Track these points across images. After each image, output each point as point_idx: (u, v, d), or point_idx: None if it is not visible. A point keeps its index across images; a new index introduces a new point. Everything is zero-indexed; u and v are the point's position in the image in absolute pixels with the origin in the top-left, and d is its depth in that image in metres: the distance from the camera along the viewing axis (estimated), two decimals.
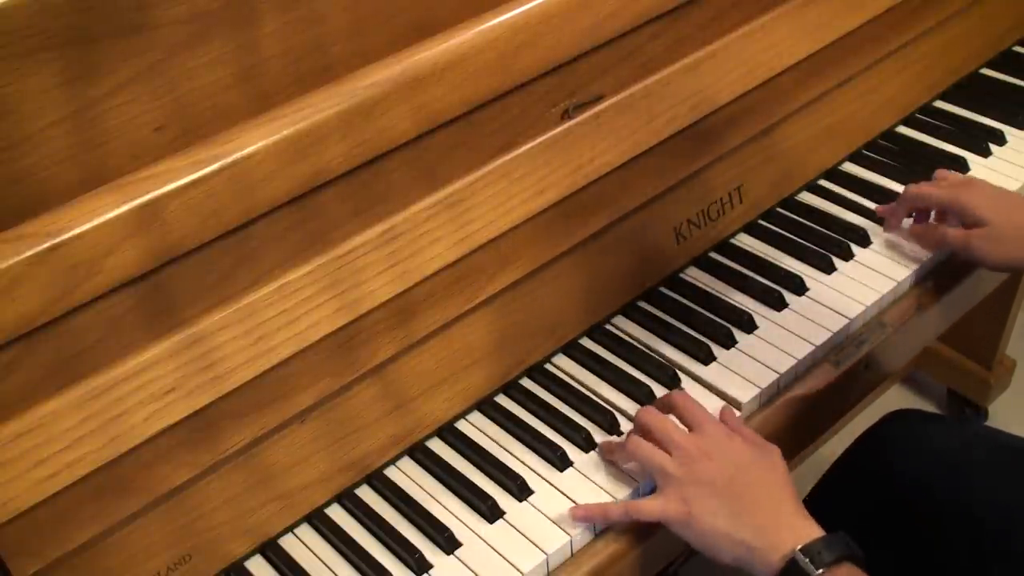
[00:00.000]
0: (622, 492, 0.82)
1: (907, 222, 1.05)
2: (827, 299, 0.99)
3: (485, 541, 0.81)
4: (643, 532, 0.82)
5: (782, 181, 1.10)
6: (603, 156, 0.91)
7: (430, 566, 0.79)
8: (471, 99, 0.81)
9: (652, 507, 0.78)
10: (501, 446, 0.88)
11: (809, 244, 1.05)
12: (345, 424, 0.83)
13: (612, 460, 0.85)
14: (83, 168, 0.67)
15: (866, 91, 1.15)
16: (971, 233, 0.96)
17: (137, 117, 0.68)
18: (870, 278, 1.01)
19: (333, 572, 0.80)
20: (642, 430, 0.82)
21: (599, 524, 0.81)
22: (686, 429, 0.82)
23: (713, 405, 0.88)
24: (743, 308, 0.98)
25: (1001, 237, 0.94)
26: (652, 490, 0.81)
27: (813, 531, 0.73)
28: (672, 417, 0.84)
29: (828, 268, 1.03)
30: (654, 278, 1.01)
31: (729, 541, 0.74)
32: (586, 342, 0.97)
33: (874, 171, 1.16)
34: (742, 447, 0.79)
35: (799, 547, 0.71)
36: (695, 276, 1.04)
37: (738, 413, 0.88)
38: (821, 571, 0.70)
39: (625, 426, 0.88)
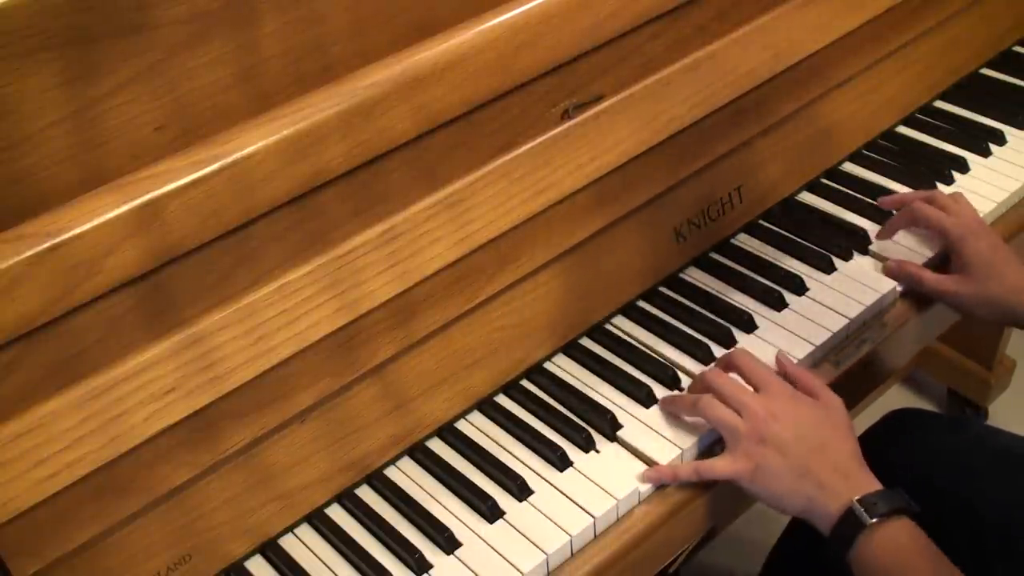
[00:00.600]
0: (623, 492, 0.82)
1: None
2: (827, 299, 0.99)
3: (485, 541, 0.81)
4: (642, 532, 0.82)
5: (782, 181, 1.10)
6: (603, 156, 0.91)
7: (430, 566, 0.79)
8: (471, 99, 0.81)
9: (722, 466, 0.82)
10: (501, 446, 0.88)
11: (809, 244, 1.05)
12: (345, 424, 0.83)
13: (676, 412, 0.88)
14: (83, 168, 0.67)
15: (866, 91, 1.15)
16: (949, 285, 0.96)
17: (137, 117, 0.68)
18: (870, 278, 1.01)
19: (333, 572, 0.80)
20: (709, 390, 0.86)
21: (669, 483, 0.84)
22: (750, 388, 0.85)
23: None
24: (743, 308, 0.98)
25: (981, 292, 0.95)
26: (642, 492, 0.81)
27: (872, 485, 0.78)
28: (734, 375, 0.87)
29: (828, 268, 1.02)
30: (654, 278, 1.01)
31: (794, 495, 0.79)
32: (586, 342, 0.97)
33: (874, 171, 1.16)
34: (807, 406, 0.83)
35: (856, 498, 0.75)
36: (695, 276, 1.04)
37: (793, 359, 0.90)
38: (875, 520, 0.74)
39: (625, 426, 0.88)
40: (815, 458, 0.79)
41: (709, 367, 0.89)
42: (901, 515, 0.75)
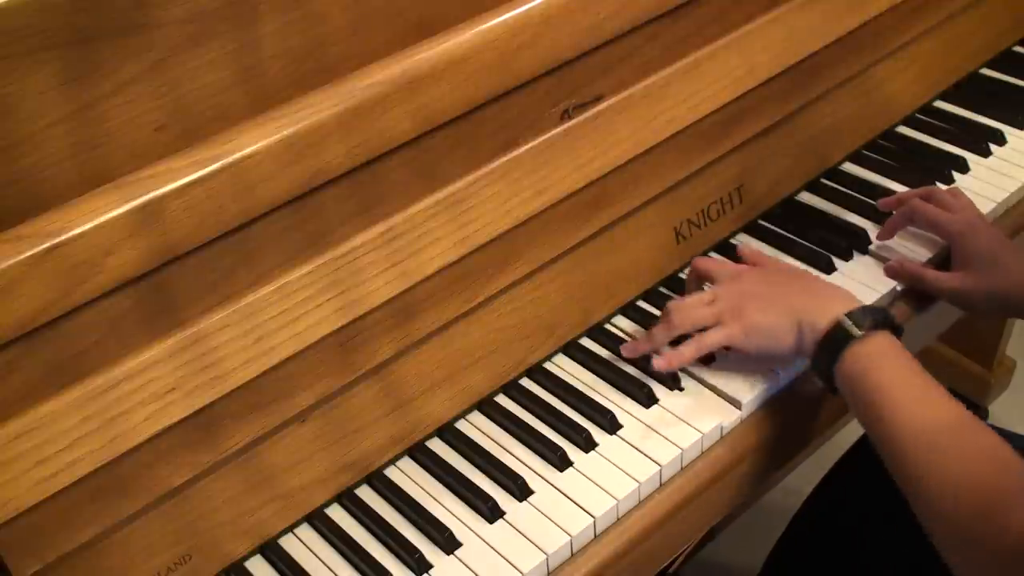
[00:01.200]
0: (623, 492, 0.82)
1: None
2: None
3: (485, 541, 0.81)
4: (643, 532, 0.82)
5: (782, 181, 1.10)
6: (603, 156, 0.91)
7: (430, 566, 0.79)
8: (471, 99, 0.81)
9: (717, 336, 0.87)
10: (501, 446, 0.88)
11: (809, 244, 1.05)
12: (345, 424, 0.83)
13: (655, 347, 0.91)
14: (83, 168, 0.67)
15: (866, 91, 1.15)
16: (950, 283, 0.96)
17: (137, 117, 0.68)
18: (870, 278, 1.01)
19: (333, 572, 0.80)
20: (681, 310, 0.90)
21: (678, 367, 0.89)
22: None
23: (714, 403, 0.88)
24: None
25: (982, 288, 0.95)
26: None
27: (855, 302, 0.83)
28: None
29: (828, 268, 1.02)
30: (654, 278, 1.01)
31: (785, 327, 0.84)
32: (586, 342, 0.97)
33: (874, 171, 1.16)
34: (765, 268, 0.92)
35: (844, 312, 0.80)
36: None
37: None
38: (862, 333, 0.79)
39: (625, 426, 0.88)
40: (793, 294, 0.86)
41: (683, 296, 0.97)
42: (885, 329, 0.80)
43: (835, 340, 0.80)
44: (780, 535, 1.07)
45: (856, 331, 0.79)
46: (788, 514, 1.06)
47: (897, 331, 0.81)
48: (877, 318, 0.80)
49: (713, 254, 1.05)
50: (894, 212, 1.05)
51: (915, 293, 1.01)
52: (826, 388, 0.84)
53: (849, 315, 0.80)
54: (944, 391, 0.76)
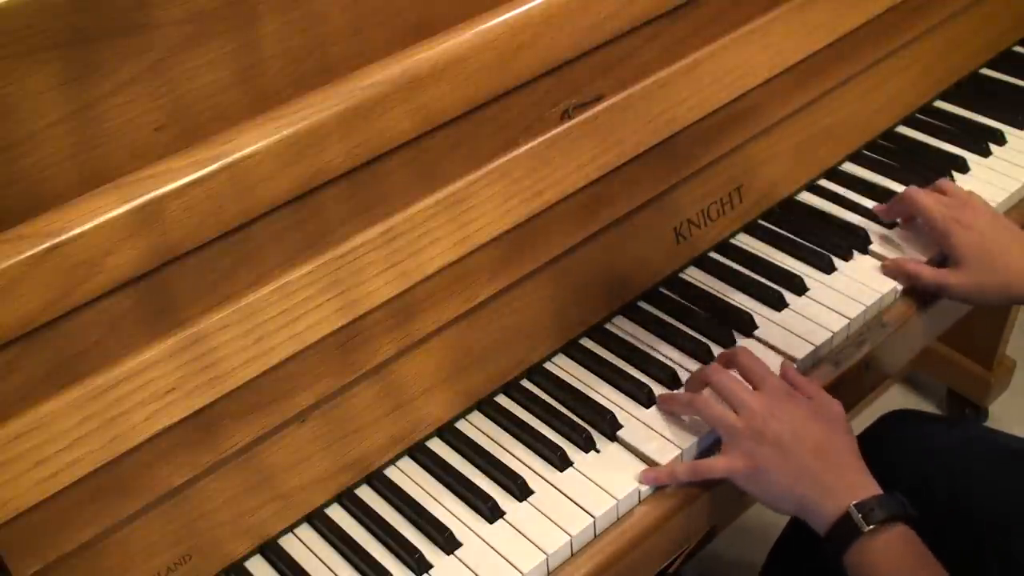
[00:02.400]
0: (623, 492, 0.82)
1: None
2: (827, 299, 0.99)
3: (485, 541, 0.81)
4: (643, 532, 0.82)
5: (782, 181, 1.10)
6: (603, 156, 0.91)
7: (430, 566, 0.79)
8: (471, 99, 0.81)
9: (720, 465, 0.82)
10: (501, 446, 0.88)
11: (809, 244, 1.05)
12: (345, 424, 0.83)
13: (674, 411, 0.88)
14: (83, 168, 0.67)
15: (866, 91, 1.15)
16: (946, 279, 0.96)
17: (137, 117, 0.68)
18: (870, 278, 1.01)
19: (333, 572, 0.80)
20: (707, 386, 0.86)
21: (667, 484, 0.84)
22: (750, 386, 0.85)
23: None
24: (743, 308, 0.98)
25: (977, 281, 0.95)
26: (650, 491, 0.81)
27: (870, 489, 0.77)
28: (734, 373, 0.87)
29: (828, 268, 1.03)
30: (654, 278, 1.01)
31: (791, 495, 0.79)
32: (586, 342, 0.97)
33: (874, 171, 1.16)
34: (806, 407, 0.82)
35: (854, 503, 0.75)
36: (695, 276, 1.04)
37: (795, 366, 0.90)
38: (872, 527, 0.74)
39: (625, 426, 0.88)
40: (813, 458, 0.78)
41: (710, 365, 0.89)
42: (898, 522, 0.75)
43: (843, 532, 0.75)
44: (780, 535, 1.07)
45: (864, 526, 0.74)
46: (787, 514, 1.06)
47: (910, 520, 0.76)
48: (889, 511, 0.75)
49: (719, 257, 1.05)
50: (892, 202, 1.05)
51: (916, 293, 1.01)
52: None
53: (859, 506, 0.75)
54: None
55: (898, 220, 1.07)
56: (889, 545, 0.74)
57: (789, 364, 0.90)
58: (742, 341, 0.95)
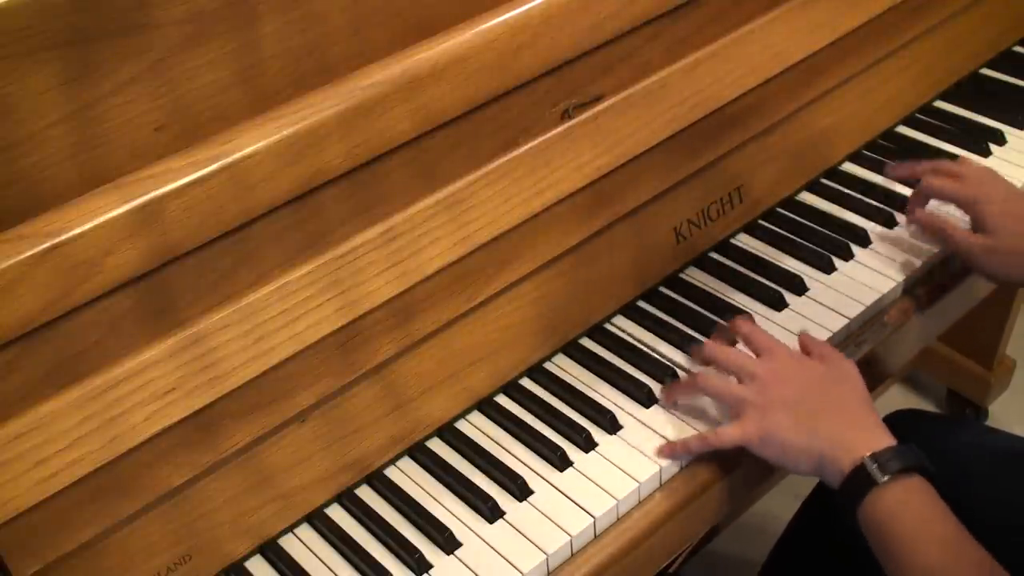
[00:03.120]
0: (623, 492, 0.82)
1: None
2: (827, 299, 0.99)
3: (485, 541, 0.81)
4: (643, 532, 0.82)
5: (782, 181, 1.10)
6: (603, 156, 0.91)
7: (430, 566, 0.79)
8: (471, 99, 0.81)
9: (732, 433, 0.81)
10: (501, 446, 0.88)
11: (809, 244, 1.05)
12: (345, 424, 0.83)
13: (679, 399, 0.87)
14: (83, 168, 0.67)
15: (866, 91, 1.15)
16: (975, 243, 0.95)
17: (137, 117, 0.68)
18: (870, 278, 1.01)
19: (333, 572, 0.80)
20: (710, 362, 0.86)
21: (683, 459, 0.84)
22: (753, 355, 0.85)
23: (714, 403, 0.88)
24: (743, 308, 0.98)
25: (1005, 250, 0.94)
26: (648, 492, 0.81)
27: (885, 440, 0.76)
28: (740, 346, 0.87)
29: (828, 268, 1.03)
30: (654, 278, 1.01)
31: (805, 454, 0.78)
32: (586, 342, 0.97)
33: (874, 171, 1.16)
34: (813, 365, 0.82)
35: (868, 454, 0.74)
36: (695, 276, 1.04)
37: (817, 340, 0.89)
38: (887, 478, 0.73)
39: (625, 425, 0.88)
40: (824, 415, 0.78)
41: (707, 342, 0.89)
42: (914, 473, 0.74)
43: (858, 484, 0.75)
44: (782, 533, 1.07)
45: (880, 477, 0.73)
46: (788, 514, 1.06)
47: (926, 472, 0.75)
48: (905, 462, 0.74)
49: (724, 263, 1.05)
50: (913, 193, 1.05)
51: (916, 293, 1.01)
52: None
53: (874, 456, 0.74)
54: (970, 539, 0.72)
55: (898, 220, 1.07)
56: (905, 496, 0.73)
57: (806, 334, 0.90)
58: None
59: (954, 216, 1.02)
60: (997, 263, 0.94)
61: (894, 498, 0.73)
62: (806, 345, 0.88)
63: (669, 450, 0.84)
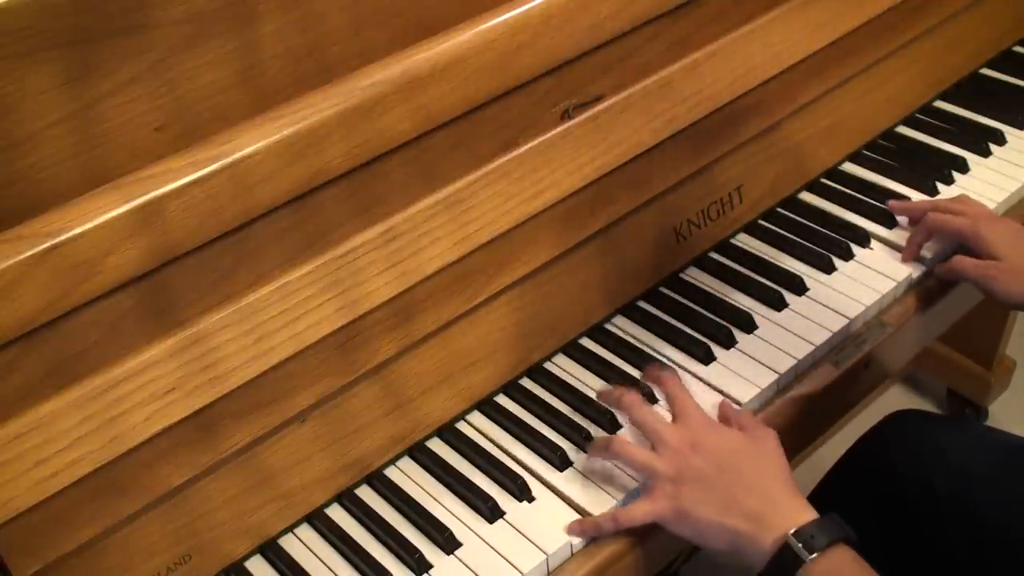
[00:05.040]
0: (622, 492, 0.82)
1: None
2: (827, 299, 0.99)
3: (485, 541, 0.81)
4: (643, 532, 0.82)
5: (782, 181, 1.10)
6: (603, 156, 0.91)
7: (430, 566, 0.79)
8: (471, 99, 0.81)
9: (643, 510, 0.77)
10: (501, 446, 0.88)
11: (809, 244, 1.05)
12: (345, 424, 0.83)
13: (594, 461, 0.84)
14: (83, 168, 0.67)
15: (866, 91, 1.15)
16: (990, 265, 0.95)
17: (137, 117, 0.68)
18: (870, 278, 1.01)
19: (333, 572, 0.80)
20: (624, 411, 0.84)
21: (595, 537, 0.80)
22: (668, 419, 0.82)
23: (713, 401, 0.88)
24: (743, 308, 0.98)
25: (1018, 271, 0.93)
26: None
27: (806, 514, 0.73)
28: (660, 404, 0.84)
29: (828, 268, 1.03)
30: (654, 278, 1.01)
31: (721, 530, 0.74)
32: (586, 342, 0.97)
33: (874, 171, 1.16)
34: (729, 435, 0.79)
35: (791, 531, 0.71)
36: (695, 276, 1.04)
37: (738, 408, 0.88)
38: (815, 556, 0.70)
39: (625, 426, 0.88)
40: (741, 490, 0.74)
41: (629, 396, 0.85)
42: (840, 543, 0.71)
43: (784, 564, 0.71)
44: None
45: (806, 556, 0.70)
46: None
47: (850, 541, 0.72)
48: (830, 535, 0.71)
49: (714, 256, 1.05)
50: (912, 232, 1.05)
51: (916, 292, 1.01)
52: None
53: (798, 534, 0.70)
54: None
55: (898, 220, 1.07)
56: (835, 568, 0.70)
57: (728, 404, 0.87)
58: (742, 340, 0.95)
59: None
60: (1016, 286, 0.93)
61: (824, 572, 0.70)
62: (725, 413, 0.85)
63: (579, 528, 0.80)
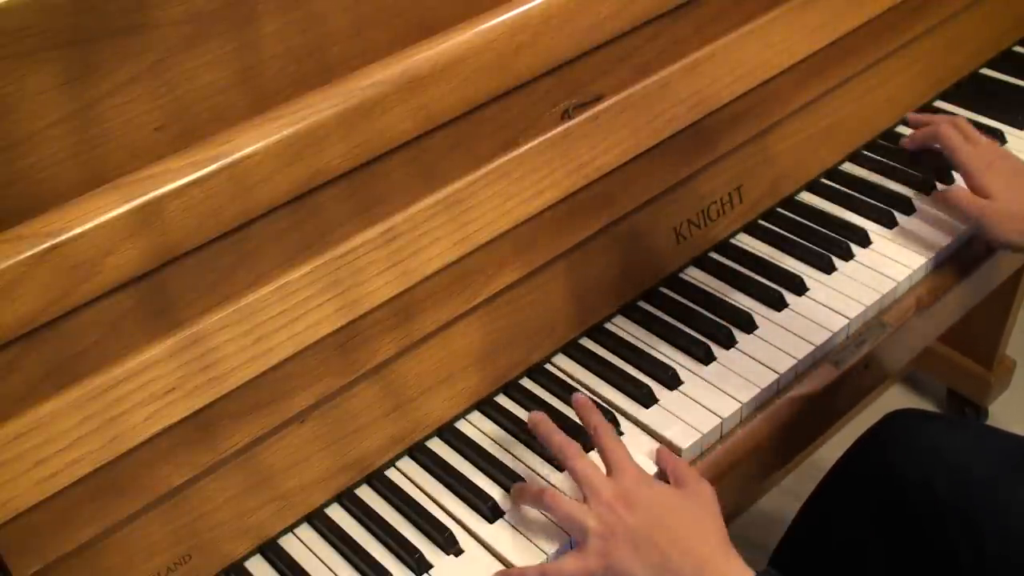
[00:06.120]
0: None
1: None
2: (827, 299, 0.99)
3: (485, 541, 0.81)
4: None
5: (782, 181, 1.10)
6: (603, 156, 0.91)
7: (430, 566, 0.79)
8: (471, 99, 0.81)
9: (572, 566, 0.74)
10: (501, 446, 0.88)
11: (809, 244, 1.05)
12: (345, 424, 0.83)
13: (521, 505, 0.82)
14: (83, 168, 0.67)
15: (866, 91, 1.15)
16: (983, 204, 0.95)
17: (137, 117, 0.68)
18: (870, 278, 1.01)
19: (333, 572, 0.80)
20: (556, 454, 0.80)
21: None
22: (604, 471, 0.79)
23: (714, 401, 0.88)
24: (743, 308, 0.98)
25: (1010, 215, 0.94)
26: None
27: (743, 574, 0.71)
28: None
29: (828, 268, 1.03)
30: (654, 278, 1.01)
31: None
32: (586, 342, 0.97)
33: (874, 171, 1.16)
34: (663, 492, 0.76)
35: None
36: (695, 276, 1.04)
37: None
38: None
39: (625, 426, 0.88)
40: (675, 551, 0.71)
41: (563, 441, 0.81)
42: None
43: None
44: (781, 537, 1.07)
45: None
46: (788, 514, 1.06)
47: None
48: None
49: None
50: (923, 129, 1.05)
51: (914, 294, 1.01)
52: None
53: None
54: None
55: (898, 220, 1.07)
56: None
57: (666, 451, 0.84)
58: (742, 340, 0.95)
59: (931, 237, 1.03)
60: (1000, 226, 0.94)
61: None
62: (662, 462, 0.82)
63: None
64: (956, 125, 1.03)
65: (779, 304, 0.99)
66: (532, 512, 0.82)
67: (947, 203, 0.99)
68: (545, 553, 0.79)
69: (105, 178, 0.68)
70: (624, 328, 0.98)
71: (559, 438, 0.81)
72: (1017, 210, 0.94)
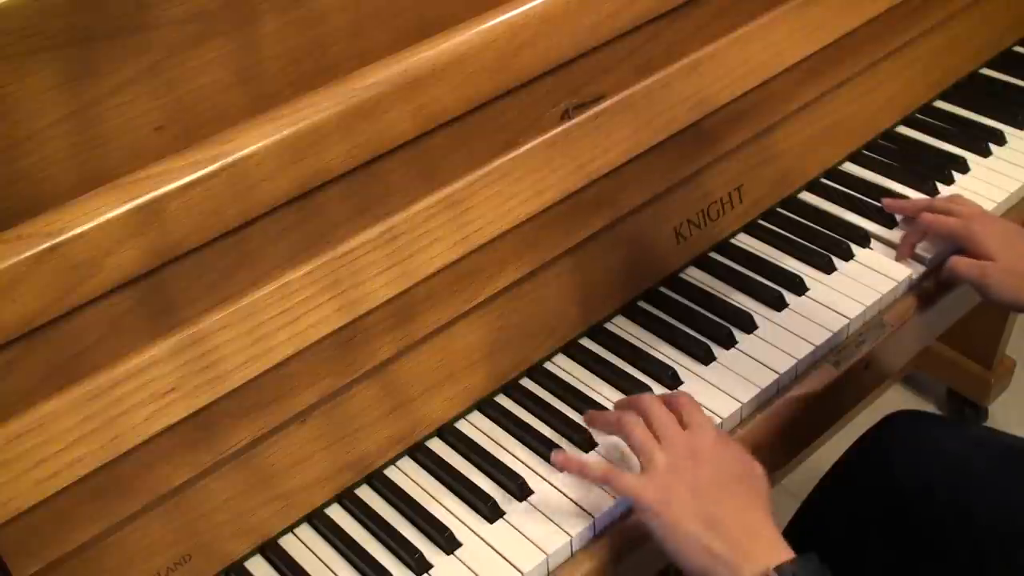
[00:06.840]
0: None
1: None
2: (827, 299, 0.99)
3: (485, 541, 0.81)
4: (644, 532, 0.82)
5: (782, 181, 1.10)
6: (603, 156, 0.91)
7: (430, 566, 0.79)
8: (471, 99, 0.81)
9: (631, 483, 0.76)
10: (501, 446, 0.88)
11: (809, 244, 1.05)
12: (345, 424, 0.83)
13: (593, 427, 0.86)
14: (83, 168, 0.67)
15: (866, 91, 1.15)
16: (984, 265, 0.95)
17: (137, 117, 0.68)
18: (870, 278, 1.01)
19: (333, 572, 0.80)
20: (639, 412, 0.82)
21: (574, 474, 0.82)
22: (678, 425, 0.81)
23: (714, 401, 0.88)
24: (743, 308, 0.98)
25: (1013, 272, 0.93)
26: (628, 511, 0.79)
27: (785, 552, 0.72)
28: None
29: (828, 268, 1.03)
30: (654, 278, 1.01)
31: (698, 546, 0.72)
32: (586, 342, 0.97)
33: (874, 171, 1.16)
34: (732, 458, 0.78)
35: (772, 566, 0.69)
36: (695, 276, 1.04)
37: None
38: None
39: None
40: (729, 512, 0.73)
41: (647, 395, 0.84)
42: None
43: None
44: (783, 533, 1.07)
45: None
46: (787, 514, 1.06)
47: None
48: (808, 574, 0.70)
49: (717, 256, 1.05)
50: (906, 232, 1.05)
51: (916, 292, 1.01)
52: None
53: (779, 570, 0.69)
54: None
55: (898, 220, 1.07)
56: None
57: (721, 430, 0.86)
58: (742, 340, 0.95)
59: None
60: (1011, 286, 0.93)
61: None
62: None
63: (563, 460, 0.82)
64: (934, 208, 1.02)
65: (779, 304, 0.99)
66: (532, 512, 0.82)
67: (949, 275, 0.99)
68: (545, 553, 0.79)
69: (105, 178, 0.68)
70: (624, 328, 0.98)
71: (641, 396, 0.83)
72: (1021, 268, 0.94)
